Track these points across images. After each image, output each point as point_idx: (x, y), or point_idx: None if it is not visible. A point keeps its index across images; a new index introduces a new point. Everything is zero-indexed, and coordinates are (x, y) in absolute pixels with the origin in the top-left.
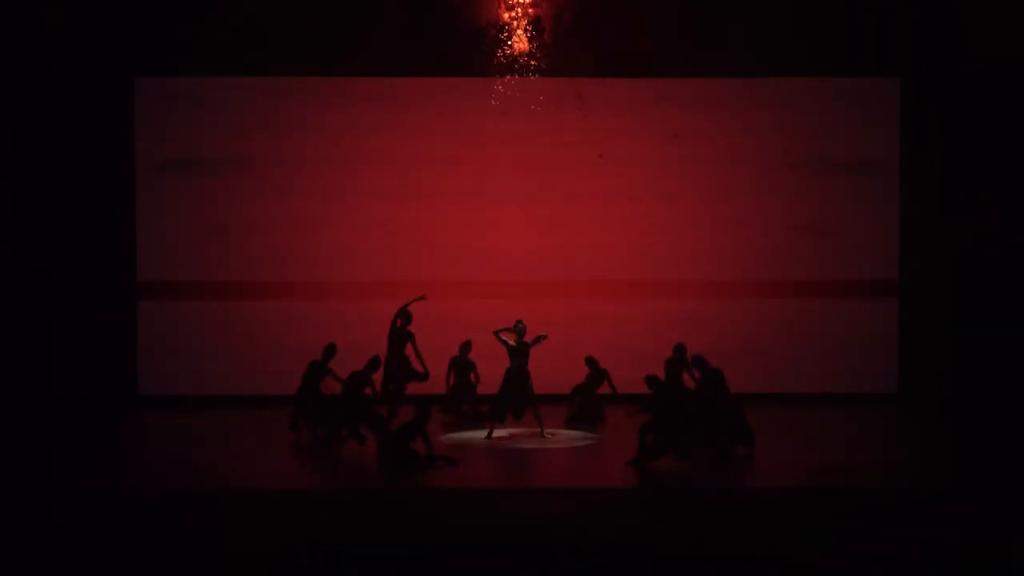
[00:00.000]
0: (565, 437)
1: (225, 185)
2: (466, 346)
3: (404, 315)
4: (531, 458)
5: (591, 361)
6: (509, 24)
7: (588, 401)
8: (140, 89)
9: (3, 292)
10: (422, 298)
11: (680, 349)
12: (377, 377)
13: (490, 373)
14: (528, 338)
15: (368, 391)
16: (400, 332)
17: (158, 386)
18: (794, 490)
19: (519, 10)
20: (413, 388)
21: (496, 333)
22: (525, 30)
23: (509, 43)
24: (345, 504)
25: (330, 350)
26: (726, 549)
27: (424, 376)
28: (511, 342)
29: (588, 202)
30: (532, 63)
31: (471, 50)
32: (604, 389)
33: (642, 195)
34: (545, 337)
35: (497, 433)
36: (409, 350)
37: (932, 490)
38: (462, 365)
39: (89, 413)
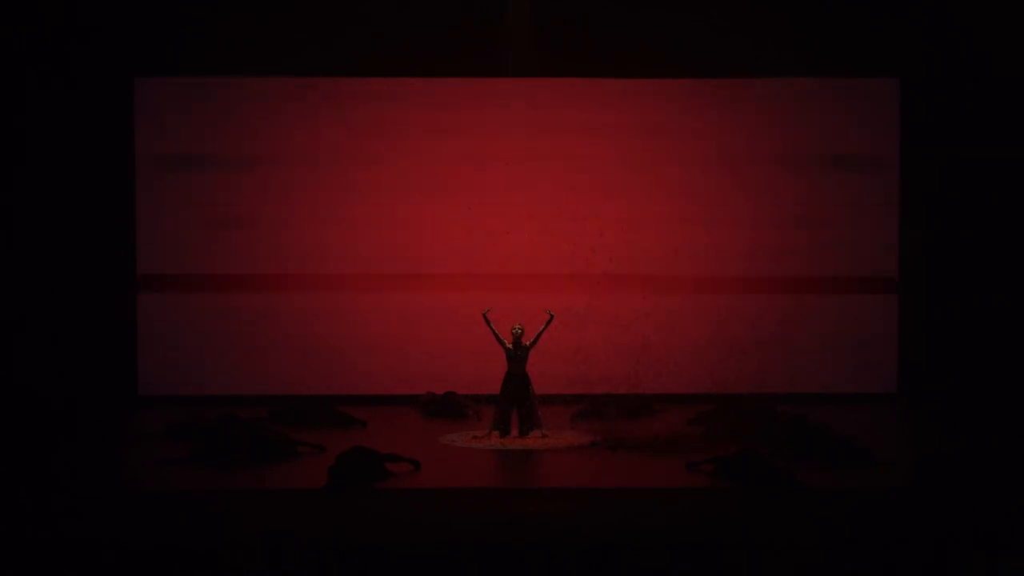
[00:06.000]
0: (565, 437)
1: (225, 182)
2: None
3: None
4: (531, 458)
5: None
6: None
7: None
8: (140, 89)
9: (2, 291)
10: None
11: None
12: None
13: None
14: (526, 339)
15: None
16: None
17: (158, 386)
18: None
19: None
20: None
21: (485, 316)
22: None
23: None
24: (344, 504)
25: None
26: (726, 549)
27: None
28: (509, 344)
29: (585, 200)
30: None
31: (470, 50)
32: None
33: (640, 193)
34: (551, 318)
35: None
36: None
37: (932, 490)
38: None
39: (89, 413)
